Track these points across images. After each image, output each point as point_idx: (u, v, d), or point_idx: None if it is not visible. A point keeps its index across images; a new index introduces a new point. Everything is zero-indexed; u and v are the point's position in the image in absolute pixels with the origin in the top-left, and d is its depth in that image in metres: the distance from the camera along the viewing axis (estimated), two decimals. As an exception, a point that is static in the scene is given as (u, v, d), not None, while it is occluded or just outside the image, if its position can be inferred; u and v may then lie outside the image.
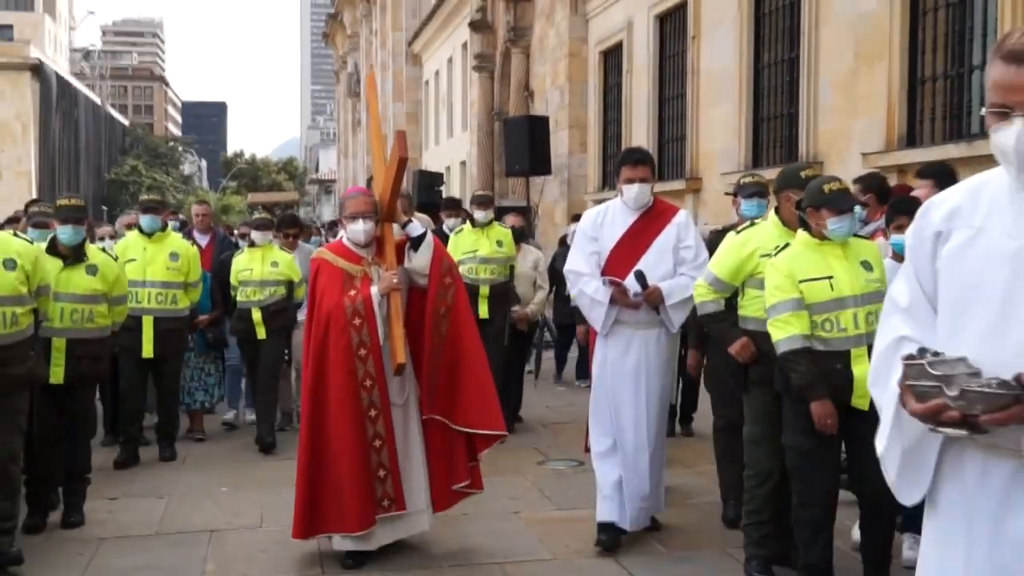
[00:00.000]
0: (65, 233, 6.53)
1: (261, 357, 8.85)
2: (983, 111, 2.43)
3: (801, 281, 4.93)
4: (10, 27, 62.00)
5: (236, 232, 13.17)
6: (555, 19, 19.54)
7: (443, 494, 5.73)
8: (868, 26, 10.27)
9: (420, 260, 5.58)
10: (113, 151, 64.95)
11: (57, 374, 6.36)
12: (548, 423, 9.83)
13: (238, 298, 8.78)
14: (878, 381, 2.63)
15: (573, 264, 6.03)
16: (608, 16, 17.76)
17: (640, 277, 5.67)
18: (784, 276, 5.00)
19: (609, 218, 6.00)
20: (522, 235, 10.26)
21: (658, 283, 5.75)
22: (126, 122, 78.87)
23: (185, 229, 10.94)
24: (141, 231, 8.26)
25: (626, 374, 5.90)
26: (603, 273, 5.86)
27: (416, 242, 5.61)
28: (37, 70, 50.39)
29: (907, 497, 2.59)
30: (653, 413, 5.98)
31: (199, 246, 9.55)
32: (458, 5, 29.32)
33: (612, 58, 17.90)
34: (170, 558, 6.18)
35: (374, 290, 5.41)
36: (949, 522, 2.52)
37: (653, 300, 5.76)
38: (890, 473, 2.60)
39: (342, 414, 5.38)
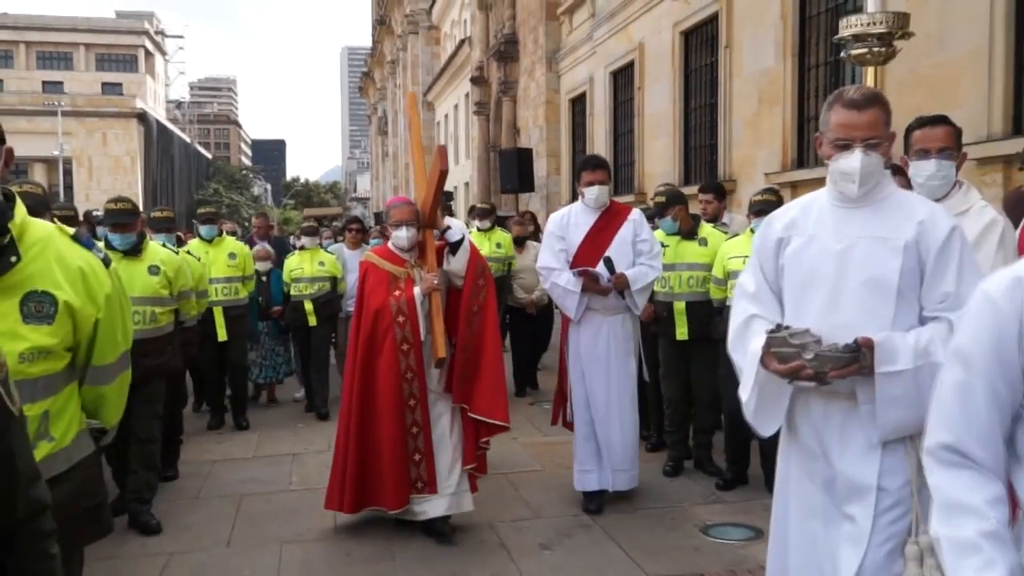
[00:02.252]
0: (122, 241, 5.27)
1: (312, 341, 8.38)
2: (821, 148, 2.71)
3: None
4: (120, 85, 61.64)
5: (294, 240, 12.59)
6: (535, 75, 19.54)
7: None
8: (768, 79, 10.32)
9: (458, 263, 4.89)
10: (200, 178, 64.55)
11: None
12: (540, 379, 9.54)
13: (291, 292, 8.34)
14: (736, 347, 2.80)
15: (544, 261, 5.45)
16: (575, 73, 17.76)
17: (609, 263, 5.21)
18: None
19: (573, 219, 5.47)
20: (534, 235, 9.78)
21: (623, 271, 5.28)
22: (209, 156, 78.41)
23: (248, 236, 10.54)
24: (202, 238, 7.77)
25: (598, 356, 5.35)
26: (572, 266, 5.32)
27: (454, 247, 4.91)
28: (142, 117, 50.22)
29: (765, 430, 2.79)
30: (625, 388, 5.43)
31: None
32: (461, 65, 29.31)
33: (578, 104, 17.86)
34: (266, 474, 6.36)
35: (417, 291, 4.76)
36: (808, 446, 2.72)
37: (620, 284, 5.25)
38: (750, 413, 2.77)
39: (387, 403, 4.73)
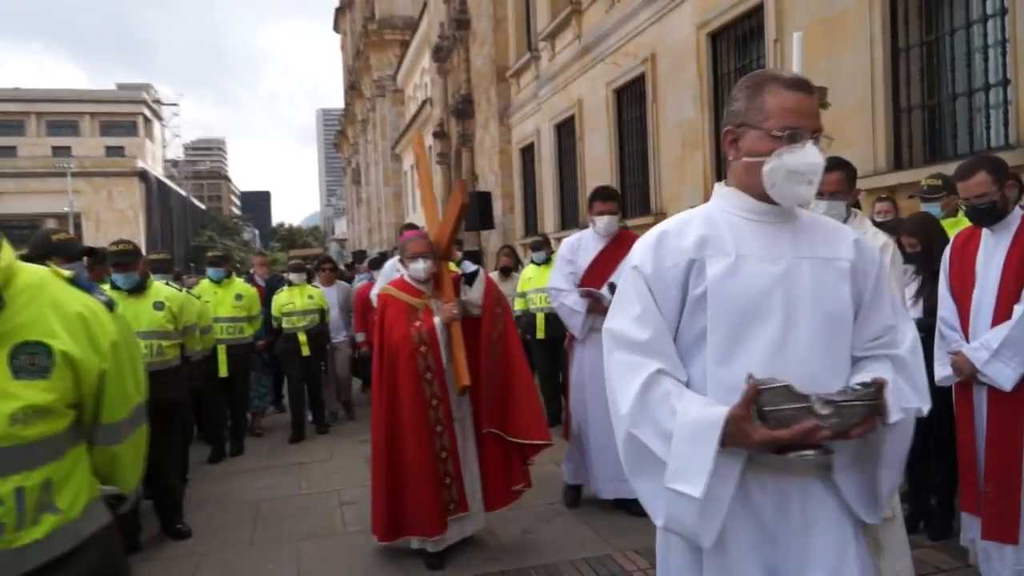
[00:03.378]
0: (125, 280, 4.98)
1: (309, 369, 7.95)
2: (739, 143, 1.87)
3: None
4: (122, 148, 60.95)
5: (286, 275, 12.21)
6: (489, 129, 19.66)
7: (499, 494, 4.49)
8: (689, 128, 10.51)
9: (475, 293, 4.45)
10: (195, 226, 63.62)
11: None
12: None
13: (283, 325, 7.87)
14: (642, 423, 1.76)
15: (554, 282, 5.17)
16: (524, 126, 17.91)
17: (612, 288, 4.76)
18: None
19: (583, 244, 5.16)
20: (515, 267, 8.94)
21: None
22: (203, 207, 77.24)
23: (248, 275, 9.87)
24: (211, 280, 7.40)
25: (600, 372, 4.89)
26: (580, 287, 5.03)
27: (469, 277, 4.53)
28: (142, 176, 49.55)
29: (709, 539, 1.71)
30: None
31: (260, 287, 8.79)
32: (424, 122, 29.39)
33: (528, 152, 17.96)
34: (278, 482, 6.34)
35: (437, 320, 4.29)
36: (748, 543, 1.75)
37: None
38: (692, 517, 1.70)
39: (415, 431, 4.24)
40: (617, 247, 5.03)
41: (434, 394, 4.28)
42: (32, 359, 1.67)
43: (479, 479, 4.49)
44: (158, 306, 5.14)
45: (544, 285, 6.84)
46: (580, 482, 5.24)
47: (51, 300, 1.74)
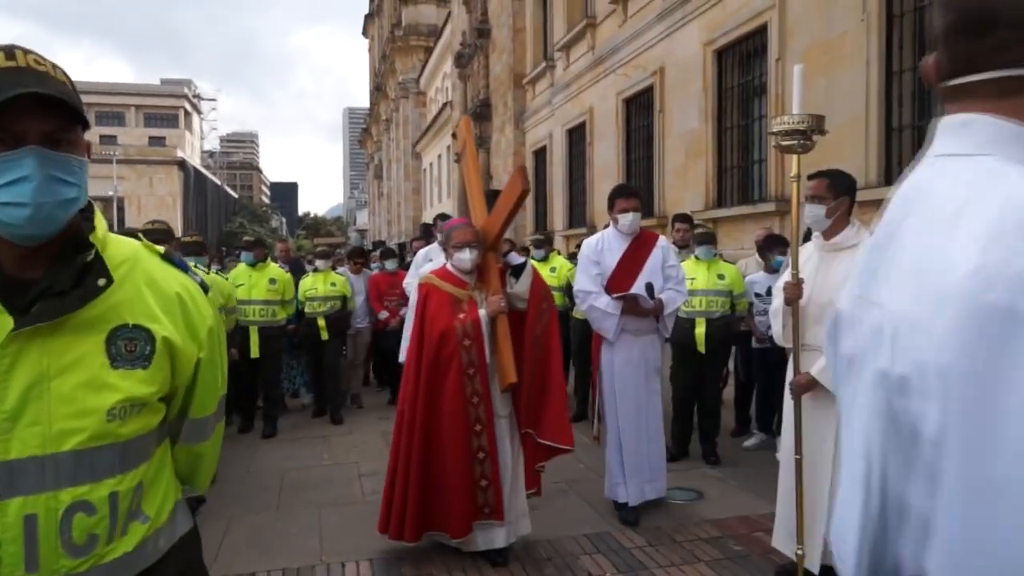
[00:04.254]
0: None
1: (326, 353, 7.58)
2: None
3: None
4: (164, 138, 61.18)
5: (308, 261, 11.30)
6: (505, 132, 19.67)
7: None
8: (693, 137, 10.50)
9: (521, 286, 3.94)
10: (228, 214, 63.64)
11: None
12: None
13: (306, 310, 7.55)
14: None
15: (581, 284, 4.66)
16: (537, 130, 17.90)
17: (650, 289, 4.50)
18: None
19: (606, 245, 4.69)
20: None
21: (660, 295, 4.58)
22: (236, 195, 77.46)
23: (272, 258, 9.46)
24: (245, 264, 7.15)
25: (629, 374, 4.57)
26: (608, 290, 4.56)
27: (516, 270, 4.02)
28: (181, 165, 49.61)
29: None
30: (653, 404, 4.65)
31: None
32: (444, 123, 29.41)
33: (540, 155, 17.98)
34: (302, 453, 6.38)
35: (482, 313, 3.82)
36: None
37: (658, 309, 4.57)
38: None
39: (453, 427, 3.77)
40: (640, 245, 4.68)
41: (475, 391, 3.79)
42: (131, 345, 1.35)
43: (519, 485, 3.99)
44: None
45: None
46: (630, 501, 4.59)
47: (147, 277, 1.42)
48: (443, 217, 7.21)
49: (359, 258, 8.69)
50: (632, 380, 4.57)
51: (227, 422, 6.84)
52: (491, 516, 3.84)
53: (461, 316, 3.81)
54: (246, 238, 7.72)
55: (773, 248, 6.03)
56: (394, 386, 8.00)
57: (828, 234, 3.54)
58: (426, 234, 8.82)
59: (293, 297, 7.42)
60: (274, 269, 7.22)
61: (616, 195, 4.77)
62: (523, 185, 3.79)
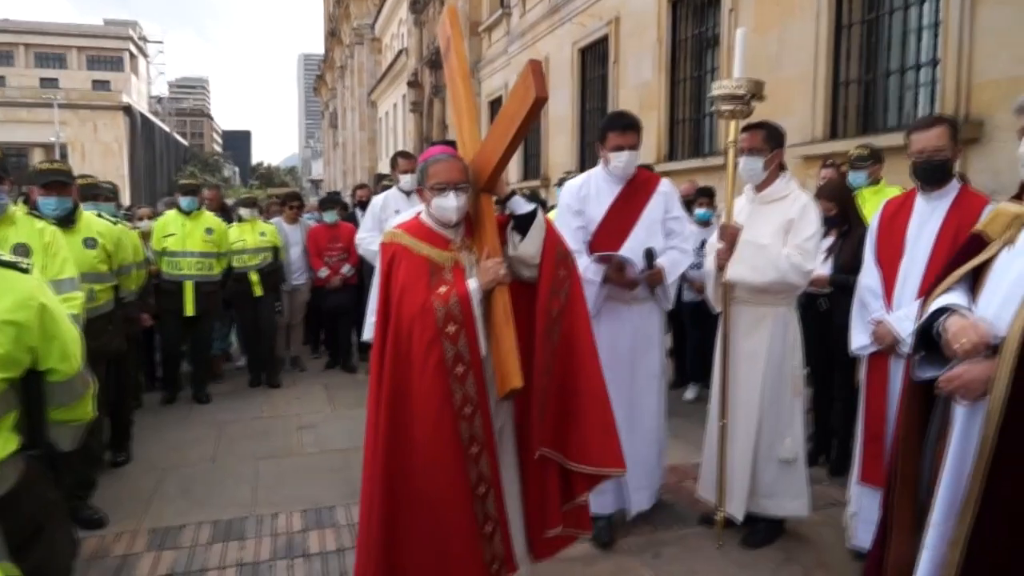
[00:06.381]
0: (58, 204, 3.90)
1: (260, 311, 6.75)
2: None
3: None
4: (108, 82, 58.85)
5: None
6: (461, 81, 19.32)
7: (540, 541, 2.72)
8: (647, 90, 10.47)
9: (530, 245, 2.61)
10: (178, 162, 61.92)
11: None
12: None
13: (234, 264, 6.59)
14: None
15: None
16: (492, 80, 17.66)
17: (650, 255, 3.50)
18: None
19: (593, 190, 3.64)
20: None
21: (661, 261, 3.55)
22: (186, 144, 75.34)
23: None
24: (180, 210, 6.24)
25: (621, 353, 3.53)
26: (591, 248, 3.55)
27: (521, 221, 2.64)
28: (127, 110, 47.95)
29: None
30: (649, 391, 3.66)
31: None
32: (400, 71, 28.83)
33: (496, 105, 17.73)
34: (241, 405, 6.30)
35: (472, 283, 2.50)
36: None
37: (654, 280, 3.55)
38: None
39: (437, 453, 2.45)
40: (634, 192, 3.64)
41: (467, 397, 2.48)
42: None
43: (522, 520, 2.70)
44: (90, 243, 4.12)
45: None
46: (619, 507, 3.71)
47: None
48: (404, 155, 6.18)
49: (295, 202, 7.73)
50: (622, 362, 3.52)
51: (148, 391, 6.50)
52: (501, 572, 2.57)
53: (443, 290, 2.50)
54: (184, 180, 6.74)
55: (697, 201, 6.08)
56: (334, 351, 7.76)
57: (761, 186, 3.55)
58: (384, 189, 7.31)
59: (229, 249, 6.62)
60: (210, 218, 6.45)
61: (609, 126, 3.63)
62: (538, 90, 2.34)
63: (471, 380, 2.48)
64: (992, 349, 1.82)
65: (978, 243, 2.05)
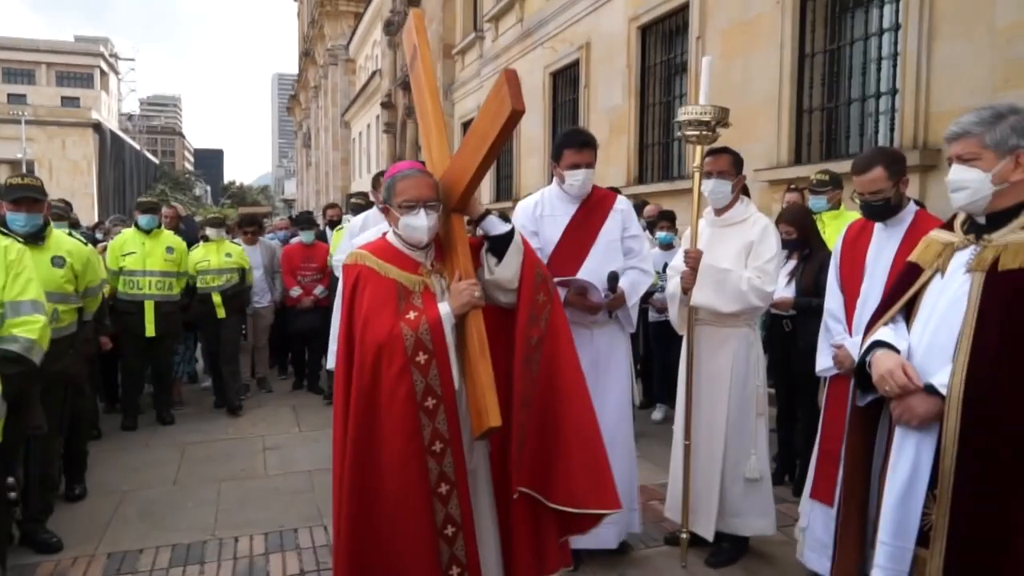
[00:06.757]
0: (27, 221, 3.81)
1: (223, 334, 6.58)
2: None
3: None
4: (78, 99, 58.04)
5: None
6: (434, 103, 19.40)
7: None
8: (617, 114, 10.57)
9: (506, 269, 2.46)
10: (148, 181, 61.17)
11: None
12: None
13: (198, 285, 6.51)
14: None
15: None
16: (466, 102, 17.70)
17: (613, 279, 3.42)
18: None
19: (548, 209, 3.56)
20: None
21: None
22: (157, 162, 74.53)
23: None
24: (139, 228, 6.10)
25: (587, 378, 2.86)
26: (548, 268, 3.00)
27: (497, 244, 2.48)
28: (97, 127, 47.38)
29: None
30: (620, 417, 3.51)
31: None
32: (373, 92, 28.85)
33: (468, 127, 17.86)
34: (204, 427, 6.21)
35: (444, 308, 2.34)
36: None
37: (615, 305, 3.47)
38: None
39: (402, 496, 2.29)
40: (590, 211, 3.54)
41: (437, 434, 2.30)
42: None
43: (499, 564, 2.51)
44: (57, 262, 4.00)
45: None
46: (586, 546, 3.35)
47: None
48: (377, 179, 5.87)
49: (250, 227, 7.55)
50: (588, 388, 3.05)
51: (108, 412, 6.39)
52: None
53: (412, 315, 2.32)
54: (143, 199, 6.59)
55: (659, 224, 6.18)
56: (300, 372, 7.70)
57: (721, 210, 3.61)
58: (354, 207, 7.11)
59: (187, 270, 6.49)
60: (170, 236, 6.32)
61: (565, 143, 3.55)
62: (514, 102, 2.14)
63: (442, 415, 2.30)
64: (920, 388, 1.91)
65: (915, 272, 2.11)
